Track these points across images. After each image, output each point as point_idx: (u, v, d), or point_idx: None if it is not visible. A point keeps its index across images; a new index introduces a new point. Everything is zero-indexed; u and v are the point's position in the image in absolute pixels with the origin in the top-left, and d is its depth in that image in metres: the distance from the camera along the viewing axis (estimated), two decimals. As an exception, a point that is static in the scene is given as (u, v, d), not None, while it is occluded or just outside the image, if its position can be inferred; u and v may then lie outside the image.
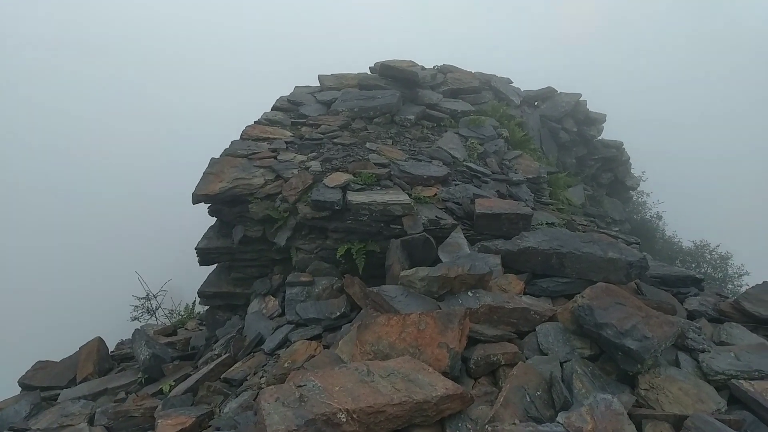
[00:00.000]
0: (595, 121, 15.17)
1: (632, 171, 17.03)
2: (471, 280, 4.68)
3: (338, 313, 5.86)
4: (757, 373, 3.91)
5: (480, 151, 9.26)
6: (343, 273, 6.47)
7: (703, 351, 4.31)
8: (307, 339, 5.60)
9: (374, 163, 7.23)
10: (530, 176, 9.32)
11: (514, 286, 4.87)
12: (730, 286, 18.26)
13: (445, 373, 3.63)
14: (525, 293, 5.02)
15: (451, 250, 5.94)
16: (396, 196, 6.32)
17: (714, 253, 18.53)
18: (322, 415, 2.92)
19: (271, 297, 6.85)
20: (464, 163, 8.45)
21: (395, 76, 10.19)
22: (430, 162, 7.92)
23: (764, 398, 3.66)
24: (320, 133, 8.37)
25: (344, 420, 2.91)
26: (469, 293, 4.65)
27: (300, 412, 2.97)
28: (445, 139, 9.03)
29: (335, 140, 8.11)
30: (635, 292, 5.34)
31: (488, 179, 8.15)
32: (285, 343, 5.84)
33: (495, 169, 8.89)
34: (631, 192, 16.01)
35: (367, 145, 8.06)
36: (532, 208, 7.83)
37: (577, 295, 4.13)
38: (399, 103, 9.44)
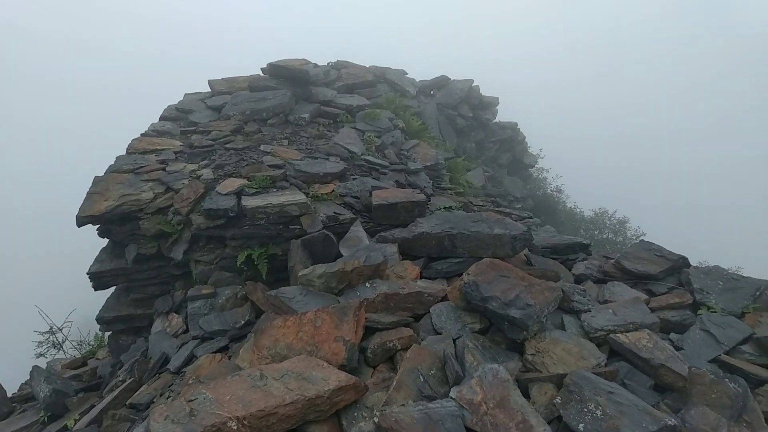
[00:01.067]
0: (489, 105, 15.75)
1: (529, 150, 17.86)
2: (367, 271, 4.75)
3: (243, 322, 5.74)
4: (631, 325, 4.24)
5: (377, 143, 9.38)
6: (247, 280, 6.35)
7: (586, 311, 4.61)
8: (213, 352, 5.46)
9: (269, 165, 7.14)
10: (428, 164, 9.56)
11: (410, 272, 4.98)
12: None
13: (342, 366, 3.66)
14: (421, 277, 5.16)
15: (351, 244, 5.98)
16: (292, 197, 6.27)
17: (612, 218, 19.83)
18: (211, 427, 2.86)
19: (175, 314, 6.60)
20: (362, 156, 8.53)
21: (286, 76, 10.09)
22: (327, 159, 7.93)
23: (637, 347, 3.97)
24: (211, 140, 8.15)
25: (235, 428, 2.87)
26: (367, 284, 4.72)
27: (189, 426, 2.90)
28: (342, 134, 9.06)
29: (227, 146, 7.93)
30: (525, 264, 5.63)
31: (387, 170, 8.27)
32: (191, 359, 5.65)
33: (393, 159, 9.03)
34: (530, 169, 16.78)
35: (262, 147, 7.94)
36: (430, 195, 8.05)
37: (464, 273, 4.30)
38: (291, 102, 9.37)
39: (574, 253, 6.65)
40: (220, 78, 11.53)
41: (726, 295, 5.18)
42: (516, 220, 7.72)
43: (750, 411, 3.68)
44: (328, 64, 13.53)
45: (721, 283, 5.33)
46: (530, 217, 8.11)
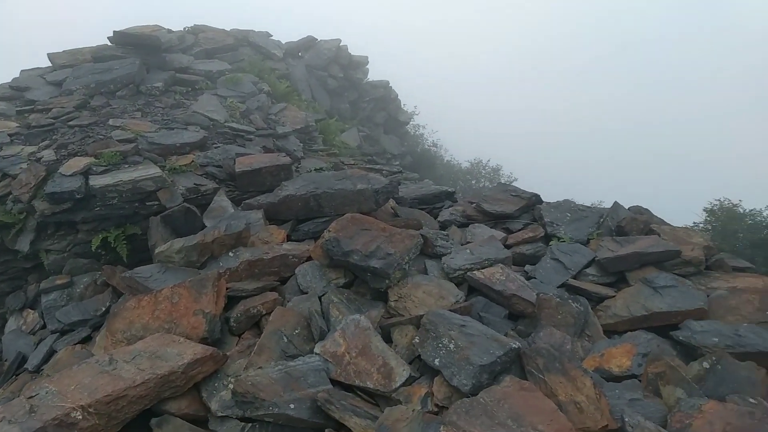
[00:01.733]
0: (359, 64, 15.67)
1: (404, 107, 18.11)
2: (229, 240, 4.59)
3: (104, 309, 5.34)
4: (487, 262, 4.47)
5: (242, 109, 9.02)
6: (105, 265, 5.92)
7: (447, 254, 4.80)
8: (74, 344, 5.08)
9: (118, 140, 6.60)
10: (298, 127, 9.37)
11: (277, 236, 4.89)
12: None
13: (204, 339, 3.54)
14: (289, 240, 5.08)
15: (216, 215, 5.74)
16: (146, 171, 5.88)
17: (487, 167, 20.81)
18: (53, 420, 2.65)
19: (29, 310, 6.04)
20: (225, 124, 8.16)
21: (134, 43, 9.33)
22: (185, 129, 7.49)
23: (492, 281, 4.20)
24: (52, 118, 7.38)
25: (80, 417, 2.68)
26: (230, 254, 4.57)
27: (28, 424, 2.66)
28: (201, 102, 8.59)
29: (71, 123, 7.22)
30: (393, 216, 5.72)
31: (253, 136, 7.99)
32: (51, 355, 5.22)
33: (260, 125, 8.74)
34: (406, 127, 17.04)
35: (110, 122, 7.32)
36: (300, 158, 7.92)
37: (325, 230, 4.28)
38: (141, 71, 8.70)
39: (441, 202, 6.88)
40: (61, 51, 10.44)
41: (574, 225, 5.62)
42: (386, 176, 7.83)
43: (591, 326, 4.05)
44: (185, 29, 12.69)
45: (569, 215, 5.77)
46: (401, 172, 8.25)
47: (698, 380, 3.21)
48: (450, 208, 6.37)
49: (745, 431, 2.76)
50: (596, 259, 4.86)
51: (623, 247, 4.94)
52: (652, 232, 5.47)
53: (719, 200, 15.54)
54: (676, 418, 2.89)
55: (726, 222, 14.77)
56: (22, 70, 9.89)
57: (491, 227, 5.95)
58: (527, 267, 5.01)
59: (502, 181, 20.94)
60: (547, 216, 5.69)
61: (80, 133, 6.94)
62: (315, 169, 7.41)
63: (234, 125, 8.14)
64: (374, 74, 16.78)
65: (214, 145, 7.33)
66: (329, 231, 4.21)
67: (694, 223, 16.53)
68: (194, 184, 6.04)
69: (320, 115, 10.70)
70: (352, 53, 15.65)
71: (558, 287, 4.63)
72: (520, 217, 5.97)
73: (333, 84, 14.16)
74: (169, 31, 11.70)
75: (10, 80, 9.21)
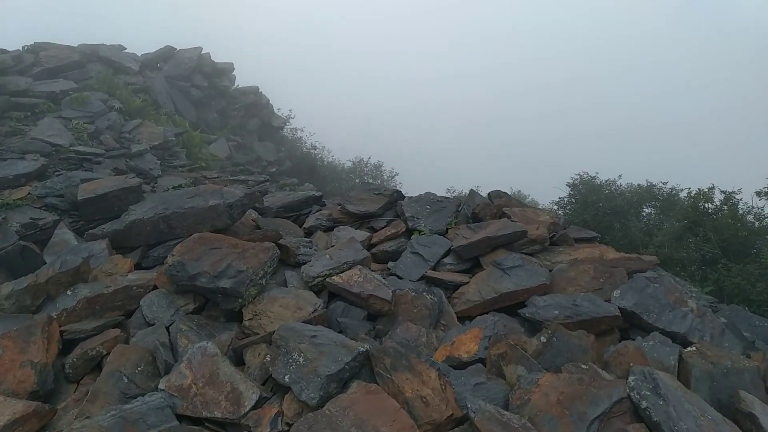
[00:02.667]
0: (224, 71, 15.21)
1: (278, 112, 17.82)
2: (66, 278, 4.22)
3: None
4: (345, 265, 4.47)
5: (90, 130, 8.40)
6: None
7: (309, 262, 4.75)
8: None
9: (-63, 179, 5.89)
10: (155, 143, 8.88)
11: (122, 267, 4.57)
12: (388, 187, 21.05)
13: (34, 393, 3.22)
14: (140, 268, 4.79)
15: (58, 250, 5.28)
16: (-31, 211, 5.28)
17: (369, 165, 21.03)
18: None
19: None
20: (71, 148, 7.55)
21: (-45, 68, 8.37)
22: (23, 158, 6.84)
23: (350, 284, 4.20)
24: None
25: None
26: (68, 292, 4.20)
27: None
28: (42, 127, 7.89)
29: None
30: (255, 228, 5.57)
31: (102, 159, 7.46)
32: None
33: (112, 145, 8.18)
34: (282, 132, 16.78)
35: (-71, 158, 6.53)
36: (156, 176, 7.50)
37: (168, 255, 4.06)
38: (-34, 99, 7.83)
39: (309, 207, 6.81)
40: None
41: (433, 217, 5.78)
42: (253, 186, 7.64)
43: (446, 314, 4.18)
44: (24, 47, 11.58)
45: (429, 207, 5.92)
46: (267, 180, 8.06)
47: (537, 355, 3.40)
48: (317, 213, 6.32)
49: (576, 396, 2.95)
50: (452, 248, 5.02)
51: (476, 233, 5.14)
52: (504, 216, 5.76)
53: (579, 174, 16.86)
54: (516, 395, 3.04)
55: (587, 193, 16.05)
56: None
57: (357, 228, 5.99)
58: (390, 264, 5.08)
59: (385, 177, 21.37)
60: (408, 211, 5.80)
61: None
62: (173, 187, 7.05)
63: (80, 149, 7.55)
64: (244, 80, 16.38)
65: (56, 173, 6.76)
66: (173, 255, 4.00)
67: (560, 198, 17.84)
68: (30, 219, 5.51)
69: (181, 128, 10.20)
70: (215, 60, 15.12)
71: (417, 280, 4.73)
72: (384, 215, 6.05)
73: (197, 94, 13.62)
74: (3, 51, 10.67)
75: None
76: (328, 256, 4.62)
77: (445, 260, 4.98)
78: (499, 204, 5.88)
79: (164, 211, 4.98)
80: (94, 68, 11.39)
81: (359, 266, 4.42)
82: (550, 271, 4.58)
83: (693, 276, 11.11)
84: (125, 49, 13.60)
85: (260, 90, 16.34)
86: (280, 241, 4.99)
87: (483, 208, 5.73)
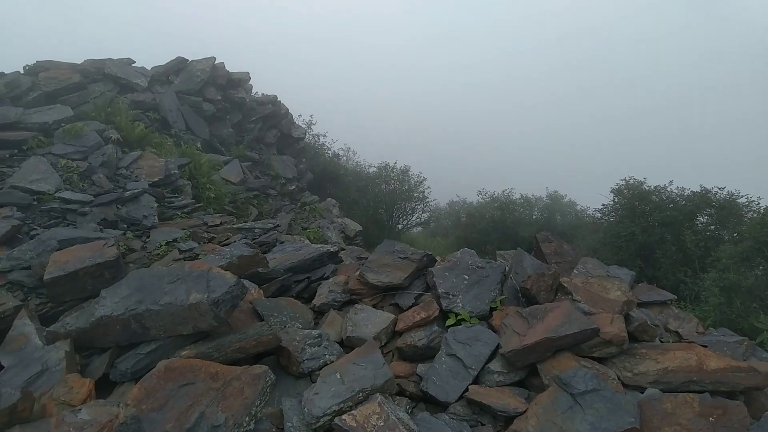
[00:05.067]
0: (240, 81, 14.23)
1: (298, 120, 16.84)
2: (1, 417, 3.25)
3: None
4: (361, 394, 3.38)
5: (83, 168, 7.50)
6: None
7: (311, 381, 3.72)
8: None
9: None
10: (156, 179, 7.95)
11: (77, 392, 3.58)
12: (415, 194, 20.03)
13: None
14: (106, 383, 3.81)
15: (15, 348, 4.34)
16: None
17: (395, 169, 19.98)
18: None
19: None
20: (56, 195, 6.66)
21: (-66, 104, 7.54)
22: (-4, 214, 5.97)
23: (365, 428, 3.13)
24: None
25: None
26: (2, 437, 3.24)
27: None
28: (25, 169, 7.01)
29: None
30: (253, 313, 4.55)
31: (89, 208, 6.53)
32: None
33: (105, 186, 7.28)
34: (301, 142, 15.77)
35: None
36: (150, 227, 6.55)
37: (121, 404, 3.04)
38: (-59, 141, 6.99)
39: (323, 265, 5.78)
40: None
41: (473, 292, 4.66)
42: (261, 235, 6.62)
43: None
44: (24, 68, 10.78)
45: (466, 277, 4.81)
46: (276, 228, 7.03)
47: None
48: (331, 280, 5.27)
49: None
50: (502, 351, 3.89)
51: (530, 326, 4.01)
52: (563, 290, 4.61)
53: (625, 180, 15.42)
54: None
55: (634, 201, 14.63)
56: None
57: (378, 301, 4.93)
58: (420, 369, 3.99)
59: (413, 181, 20.24)
60: (441, 284, 4.69)
61: None
62: (167, 243, 6.07)
63: (66, 195, 6.64)
64: (261, 88, 15.44)
65: (32, 231, 5.86)
66: (127, 404, 2.98)
67: (603, 205, 16.43)
68: (-14, 306, 4.59)
69: (186, 158, 9.22)
70: (230, 70, 14.17)
71: (457, 400, 3.64)
72: (411, 286, 4.96)
73: (210, 109, 12.67)
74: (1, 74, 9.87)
75: None
76: (338, 376, 3.54)
77: (492, 367, 3.86)
78: (554, 274, 4.72)
79: (136, 307, 3.97)
80: (97, 89, 10.53)
81: (379, 398, 3.32)
82: (638, 389, 3.43)
83: (765, 303, 9.75)
84: (134, 63, 12.73)
85: (279, 99, 15.34)
86: (282, 344, 3.96)
87: (536, 282, 4.58)
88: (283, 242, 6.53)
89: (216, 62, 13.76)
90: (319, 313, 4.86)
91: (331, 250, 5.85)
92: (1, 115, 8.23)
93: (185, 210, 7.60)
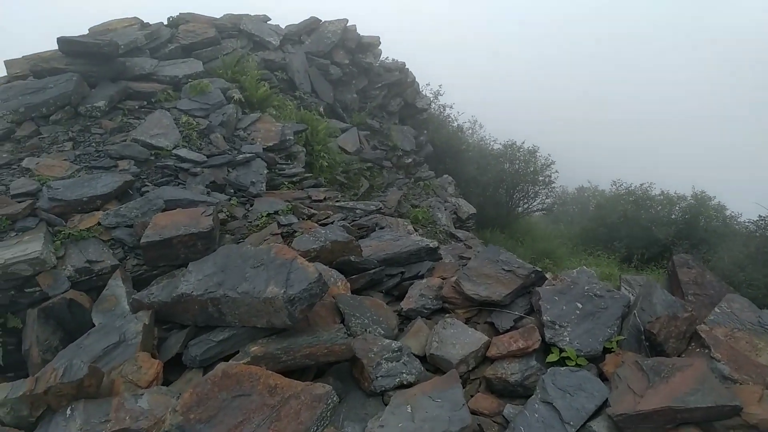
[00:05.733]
0: (370, 46, 13.89)
1: (425, 90, 16.29)
2: (68, 389, 3.22)
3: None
4: (432, 438, 2.92)
5: (203, 126, 7.60)
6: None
7: (389, 390, 3.33)
8: None
9: (13, 195, 5.33)
10: (271, 143, 7.88)
11: (147, 371, 3.48)
12: (540, 178, 18.83)
13: None
14: (177, 367, 3.70)
15: (107, 308, 4.42)
16: (23, 248, 4.57)
17: (522, 149, 18.86)
18: None
19: None
20: (173, 151, 6.78)
21: (81, 52, 7.94)
22: (115, 166, 6.16)
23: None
24: (-40, 158, 6.17)
25: None
26: (68, 411, 3.21)
27: None
28: (149, 122, 7.21)
29: (-24, 165, 5.99)
30: (335, 309, 4.22)
31: (200, 168, 6.58)
32: None
33: (221, 146, 7.32)
34: (425, 113, 15.22)
35: (25, 162, 6.05)
36: (255, 194, 6.46)
37: (169, 410, 2.83)
38: (80, 87, 7.34)
39: (420, 261, 5.34)
40: (20, 57, 9.18)
41: (585, 325, 3.98)
42: (362, 216, 6.30)
43: None
44: (168, 19, 11.22)
45: (579, 306, 4.11)
46: (378, 210, 6.64)
47: None
48: (425, 281, 4.81)
49: None
50: (610, 413, 3.22)
51: (651, 385, 3.29)
52: (698, 340, 3.79)
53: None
54: None
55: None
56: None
57: (473, 316, 4.40)
58: (508, 410, 3.44)
59: (540, 164, 18.98)
60: (547, 310, 4.05)
61: (-24, 183, 5.70)
62: (268, 215, 5.93)
63: (182, 153, 6.74)
64: (391, 54, 15.02)
65: (144, 188, 5.98)
66: (176, 411, 2.77)
67: (760, 216, 14.25)
68: (86, 261, 4.69)
69: (303, 123, 9.08)
70: (361, 34, 13.87)
71: (546, 464, 3.07)
72: (513, 305, 4.36)
73: (336, 73, 12.50)
74: (143, 25, 10.33)
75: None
76: (408, 410, 3.10)
77: (594, 426, 3.21)
78: (690, 318, 3.89)
79: (215, 291, 3.80)
80: (230, 45, 10.69)
81: (453, 448, 2.85)
82: None
83: None
84: (269, 20, 12.84)
85: (407, 67, 14.85)
86: (356, 353, 3.59)
87: (665, 325, 3.81)
88: (383, 227, 6.16)
89: (348, 24, 13.52)
90: (406, 318, 4.44)
91: (431, 245, 5.37)
92: (138, 65, 8.56)
93: (294, 179, 7.47)
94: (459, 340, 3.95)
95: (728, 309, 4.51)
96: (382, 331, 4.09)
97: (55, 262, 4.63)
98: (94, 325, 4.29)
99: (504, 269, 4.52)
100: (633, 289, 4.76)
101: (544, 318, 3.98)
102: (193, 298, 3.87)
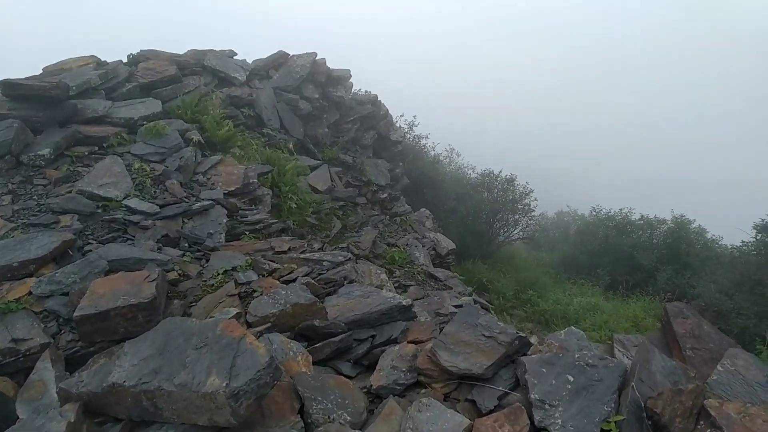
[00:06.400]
0: (340, 79, 13.58)
1: (399, 120, 16.01)
2: None
3: None
4: None
5: (158, 172, 7.07)
6: None
7: None
8: None
9: (-66, 263, 4.72)
10: (232, 188, 7.38)
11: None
12: (519, 206, 18.57)
13: None
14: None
15: (33, 396, 3.82)
16: (-67, 329, 3.97)
17: (499, 178, 18.66)
18: None
19: None
20: (123, 201, 6.24)
21: (25, 96, 7.38)
22: (56, 222, 5.60)
23: None
24: None
25: None
26: None
27: None
28: (97, 170, 6.67)
29: None
30: (292, 397, 3.68)
31: (152, 220, 6.03)
32: None
33: (178, 193, 6.79)
34: (399, 145, 14.88)
35: (-47, 221, 5.46)
36: (212, 248, 5.92)
37: None
38: (23, 135, 6.77)
39: (392, 321, 4.84)
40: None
41: (578, 402, 3.49)
42: (329, 269, 5.80)
43: None
44: (129, 56, 10.73)
45: (571, 379, 3.64)
46: (348, 260, 6.10)
47: None
48: (397, 350, 4.29)
49: None
50: None
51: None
52: (707, 418, 3.33)
53: (775, 214, 13.09)
54: None
55: (786, 244, 12.36)
56: None
57: (450, 392, 3.90)
58: None
59: (519, 192, 18.73)
60: (535, 386, 3.56)
61: None
62: (230, 270, 5.39)
63: (132, 204, 6.19)
64: (361, 84, 14.74)
65: (87, 246, 5.41)
66: None
67: (743, 242, 14.07)
68: (11, 341, 4.09)
69: (269, 164, 8.61)
70: (331, 67, 13.55)
71: None
72: (496, 378, 3.86)
73: (306, 108, 12.10)
74: (99, 64, 9.81)
75: None
76: None
77: None
78: (696, 390, 3.44)
79: (150, 380, 3.25)
80: (192, 82, 10.20)
81: None
82: None
83: None
84: (235, 55, 12.44)
85: (379, 99, 14.54)
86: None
87: (669, 402, 3.34)
88: (353, 281, 5.66)
89: (317, 58, 13.20)
90: (376, 396, 3.92)
91: (404, 303, 4.87)
92: (91, 108, 8.03)
93: (257, 226, 6.95)
94: (436, 425, 3.43)
95: (732, 367, 4.10)
96: (349, 417, 3.56)
97: (-27, 342, 4.02)
98: (17, 417, 3.69)
99: (484, 335, 4.04)
100: (628, 351, 4.32)
101: (532, 396, 3.50)
102: (125, 388, 3.30)
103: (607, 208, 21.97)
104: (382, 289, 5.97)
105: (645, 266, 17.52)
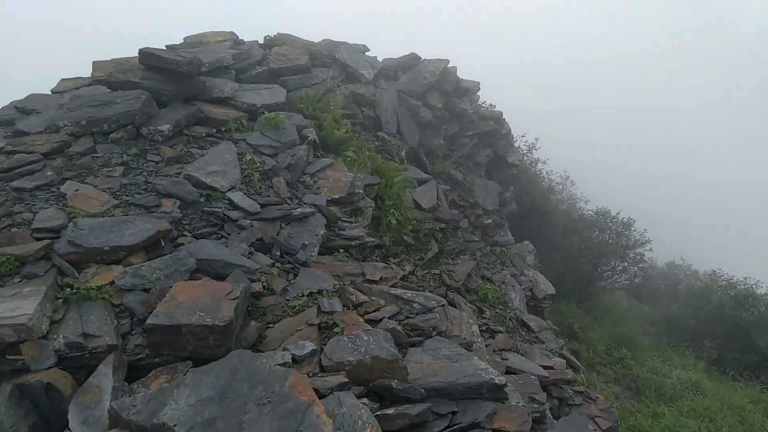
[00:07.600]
0: (468, 91, 12.95)
1: (518, 142, 15.13)
2: None
3: None
4: None
5: (267, 167, 6.88)
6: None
7: None
8: None
9: (36, 229, 4.73)
10: (336, 195, 7.05)
11: None
12: (631, 254, 17.19)
13: None
14: None
15: (87, 402, 3.65)
16: (15, 306, 3.90)
17: (615, 220, 17.26)
18: None
19: None
20: (227, 194, 6.08)
21: (158, 67, 7.46)
22: (158, 206, 5.51)
23: None
24: (5, 169, 5.71)
25: None
26: None
27: None
28: (210, 156, 6.57)
29: (14, 183, 5.47)
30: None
31: (249, 221, 5.81)
32: None
33: (282, 193, 6.55)
34: (514, 168, 14.02)
35: (65, 185, 5.51)
36: (302, 262, 5.60)
37: None
38: (147, 107, 6.80)
39: (478, 397, 4.24)
40: (109, 59, 8.89)
41: None
42: (419, 312, 5.29)
43: None
44: (265, 38, 10.77)
45: None
46: (440, 306, 5.52)
47: None
48: (479, 438, 3.72)
49: None
50: None
51: None
52: None
53: None
54: None
55: None
56: (61, 80, 8.55)
57: None
58: None
59: (633, 239, 17.21)
60: None
61: (9, 203, 5.18)
62: (310, 294, 5.03)
63: (236, 198, 6.01)
64: (486, 100, 14.03)
65: (180, 238, 5.25)
66: None
67: None
68: (80, 335, 3.95)
69: (377, 176, 8.21)
70: (460, 77, 12.96)
71: None
72: None
73: (427, 116, 11.59)
74: (236, 42, 9.89)
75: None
76: None
77: None
78: None
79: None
80: (320, 74, 10.00)
81: None
82: None
83: None
84: (368, 51, 12.18)
85: (503, 117, 13.74)
86: None
87: None
88: (443, 331, 5.10)
89: (449, 66, 12.64)
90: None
91: (496, 381, 4.25)
92: (218, 87, 8.01)
93: (353, 242, 6.57)
94: None
95: None
96: None
97: (46, 330, 3.91)
98: (67, 421, 3.53)
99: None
100: None
101: None
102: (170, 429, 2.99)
103: (729, 275, 19.66)
104: (471, 346, 5.36)
105: (762, 348, 15.42)
